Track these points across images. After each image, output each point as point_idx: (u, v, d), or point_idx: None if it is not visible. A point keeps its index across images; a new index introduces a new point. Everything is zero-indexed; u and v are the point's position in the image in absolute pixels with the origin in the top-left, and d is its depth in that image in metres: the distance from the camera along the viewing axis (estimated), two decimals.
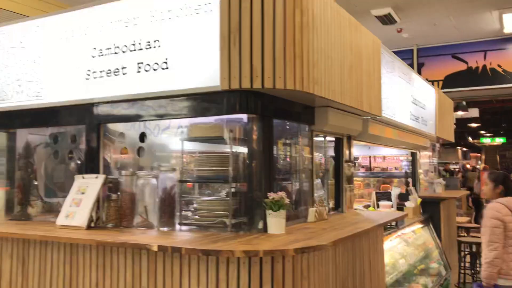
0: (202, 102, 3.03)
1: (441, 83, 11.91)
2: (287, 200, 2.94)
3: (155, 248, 2.49)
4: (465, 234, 8.42)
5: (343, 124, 3.95)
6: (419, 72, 12.11)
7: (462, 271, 7.13)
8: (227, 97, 2.95)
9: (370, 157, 11.05)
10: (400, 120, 5.12)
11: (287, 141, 3.76)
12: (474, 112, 19.46)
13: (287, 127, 3.75)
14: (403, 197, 6.63)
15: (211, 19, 2.95)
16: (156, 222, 3.16)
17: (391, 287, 5.06)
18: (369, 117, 4.45)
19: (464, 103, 17.01)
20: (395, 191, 6.36)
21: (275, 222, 2.93)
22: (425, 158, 8.91)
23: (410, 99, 5.60)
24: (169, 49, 3.11)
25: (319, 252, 2.92)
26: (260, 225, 2.97)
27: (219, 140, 3.11)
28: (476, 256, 7.01)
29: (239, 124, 3.09)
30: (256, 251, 2.31)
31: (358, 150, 8.41)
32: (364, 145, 6.24)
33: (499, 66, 11.23)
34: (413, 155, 7.03)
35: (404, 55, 12.42)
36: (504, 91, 11.53)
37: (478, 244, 6.76)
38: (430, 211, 6.80)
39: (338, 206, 4.34)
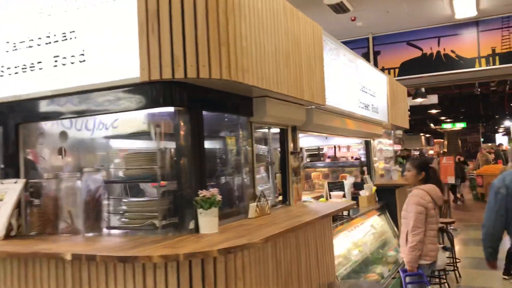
0: (123, 96, 2.81)
1: (397, 70, 11.97)
2: (219, 198, 2.77)
3: (68, 257, 2.27)
4: None
5: (284, 115, 3.80)
6: (375, 60, 12.13)
7: None
8: (150, 89, 2.75)
9: (335, 147, 11.01)
10: (347, 108, 5.02)
11: (226, 134, 3.59)
12: (433, 99, 19.75)
13: (226, 119, 3.58)
14: (358, 186, 6.57)
15: (128, 6, 2.73)
16: (82, 227, 2.93)
17: (346, 278, 4.97)
18: (313, 106, 4.31)
19: (423, 90, 17.25)
20: (349, 181, 6.28)
21: (207, 221, 2.75)
22: (387, 146, 8.91)
23: (358, 86, 5.51)
24: (85, 40, 2.87)
25: (255, 249, 2.76)
26: (191, 225, 2.78)
27: (147, 136, 2.90)
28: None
29: (166, 118, 2.90)
30: (176, 255, 2.13)
31: (322, 141, 8.33)
32: (319, 135, 6.16)
33: (452, 51, 11.34)
34: (367, 143, 6.97)
35: (360, 43, 12.44)
36: (458, 76, 11.66)
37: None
38: (386, 198, 6.78)
39: (285, 199, 4.20)
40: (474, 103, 24.90)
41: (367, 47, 12.22)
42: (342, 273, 4.77)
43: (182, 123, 2.82)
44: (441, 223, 7.32)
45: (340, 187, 5.65)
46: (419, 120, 30.35)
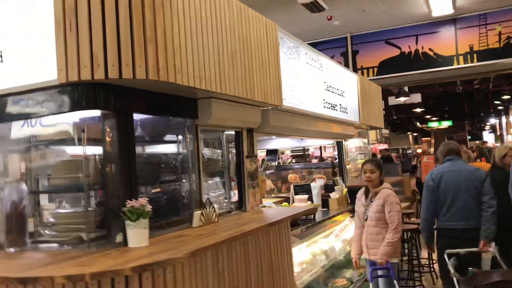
0: (44, 99, 2.60)
1: (376, 69, 11.84)
2: (148, 208, 2.56)
3: None
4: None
5: (234, 116, 3.61)
6: (353, 60, 11.99)
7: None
8: (72, 92, 2.54)
9: (321, 147, 10.85)
10: (310, 108, 4.83)
11: (171, 138, 3.39)
12: (416, 97, 19.65)
13: (170, 122, 3.37)
14: (329, 189, 6.39)
15: (45, 2, 2.51)
16: (3, 242, 2.71)
17: (311, 285, 4.79)
18: (270, 108, 4.12)
19: (406, 88, 17.14)
20: (318, 183, 6.10)
21: (135, 233, 2.54)
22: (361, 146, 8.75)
23: (323, 86, 5.33)
24: (2, 40, 2.65)
25: (190, 262, 2.57)
26: (119, 238, 2.57)
27: (72, 142, 2.69)
28: (407, 242, 6.86)
29: (92, 122, 2.68)
30: (82, 275, 1.92)
31: (297, 142, 8.10)
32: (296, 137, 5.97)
33: (430, 50, 11.22)
34: (339, 144, 6.80)
35: (338, 43, 12.30)
36: (436, 74, 11.55)
37: (410, 231, 6.61)
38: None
39: (241, 205, 4.01)
40: (458, 101, 24.90)
41: (345, 47, 12.07)
42: (307, 280, 4.58)
43: (108, 128, 2.61)
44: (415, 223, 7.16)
45: (307, 190, 5.46)
46: (406, 119, 30.36)
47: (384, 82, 12.42)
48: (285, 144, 8.87)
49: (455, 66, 11.05)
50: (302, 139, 7.69)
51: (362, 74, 11.92)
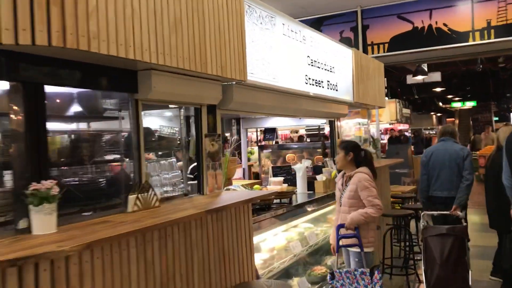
0: None
1: (387, 45, 11.29)
2: (54, 191, 2.29)
3: None
4: (399, 206, 7.95)
5: (184, 91, 3.28)
6: (363, 35, 11.46)
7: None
8: None
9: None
10: (286, 85, 4.47)
11: (108, 114, 3.10)
12: (436, 76, 18.91)
13: (107, 97, 3.08)
14: (318, 170, 6.07)
15: None
16: None
17: (283, 274, 4.51)
18: (233, 83, 3.79)
19: (425, 66, 16.46)
20: (304, 164, 5.77)
21: (40, 219, 2.28)
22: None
23: (306, 61, 4.94)
24: None
25: (104, 252, 2.31)
26: (23, 224, 2.31)
27: None
28: (403, 229, 6.50)
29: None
30: None
31: (296, 121, 7.73)
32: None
33: (445, 25, 10.59)
34: (331, 123, 6.42)
35: (348, 17, 11.78)
36: (451, 51, 10.93)
37: (405, 216, 6.26)
38: None
39: (199, 187, 3.72)
40: (483, 80, 23.93)
41: (355, 21, 11.53)
42: (277, 268, 4.31)
43: (14, 101, 2.33)
44: (412, 209, 6.80)
45: (287, 171, 5.13)
46: (428, 99, 29.46)
47: (395, 59, 11.86)
48: (284, 123, 8.53)
49: (470, 42, 10.43)
50: (300, 118, 7.34)
51: (372, 50, 11.40)
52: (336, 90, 5.71)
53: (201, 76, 3.36)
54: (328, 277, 4.23)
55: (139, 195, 2.93)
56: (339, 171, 4.69)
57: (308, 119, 7.64)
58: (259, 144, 10.02)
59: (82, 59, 2.60)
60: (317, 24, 12.02)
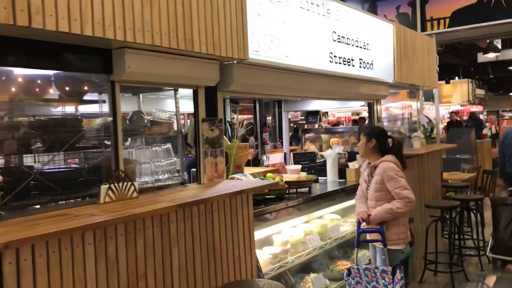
0: None
1: (448, 20, 10.38)
2: None
3: None
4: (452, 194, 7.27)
5: (167, 72, 2.97)
6: (422, 9, 10.60)
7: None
8: None
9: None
10: (303, 63, 4.05)
11: (85, 97, 2.88)
12: (510, 53, 17.41)
13: (84, 79, 2.86)
14: (353, 156, 5.61)
15: None
16: None
17: (297, 270, 4.17)
18: (234, 61, 3.44)
19: (498, 43, 15.12)
20: (335, 150, 5.33)
21: None
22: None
23: (330, 36, 4.48)
24: None
25: (55, 248, 2.10)
26: None
27: None
28: (448, 221, 5.89)
29: None
30: None
31: (341, 104, 7.27)
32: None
33: None
34: (370, 106, 5.90)
35: None
36: None
37: (451, 208, 5.68)
38: None
39: (197, 176, 3.44)
40: None
41: None
42: (291, 263, 3.97)
43: None
44: (465, 199, 6.18)
45: (310, 158, 4.73)
46: (506, 78, 27.32)
47: (458, 35, 10.89)
48: (328, 105, 8.07)
49: None
50: (334, 100, 6.87)
51: (432, 26, 10.54)
52: (371, 69, 5.18)
53: (190, 55, 3.05)
54: (344, 273, 3.84)
55: (113, 185, 2.69)
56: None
57: (355, 102, 7.14)
58: (304, 127, 9.59)
59: (45, 38, 2.37)
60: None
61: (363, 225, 4.01)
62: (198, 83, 3.30)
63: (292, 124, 11.79)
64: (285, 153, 8.21)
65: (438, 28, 10.43)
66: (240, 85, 3.54)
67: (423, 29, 10.53)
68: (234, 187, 3.13)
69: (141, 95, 3.67)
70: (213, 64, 3.30)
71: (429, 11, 10.57)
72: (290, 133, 9.29)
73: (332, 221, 4.73)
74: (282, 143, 8.70)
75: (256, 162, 6.76)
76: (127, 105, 3.64)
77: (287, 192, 4.17)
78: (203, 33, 3.01)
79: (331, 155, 5.22)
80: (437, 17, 10.47)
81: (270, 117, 9.40)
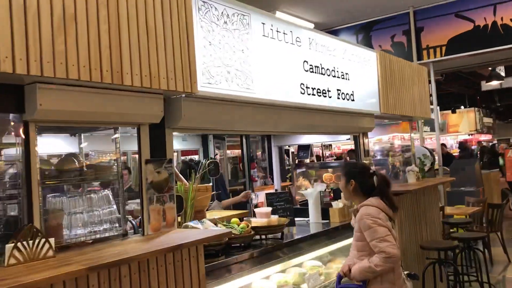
0: None
1: (444, 48, 10.06)
2: None
3: None
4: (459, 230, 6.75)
5: (93, 109, 2.59)
6: (417, 38, 10.30)
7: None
8: None
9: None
10: (265, 95, 3.66)
11: None
12: None
13: None
14: (338, 194, 5.16)
15: None
16: None
17: None
18: (182, 95, 3.07)
19: (501, 70, 14.75)
20: (317, 188, 4.90)
21: None
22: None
23: (301, 66, 4.11)
24: None
25: None
26: None
27: None
28: (444, 263, 5.36)
29: None
30: None
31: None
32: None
33: None
34: (356, 139, 5.48)
35: (399, 20, 10.72)
36: None
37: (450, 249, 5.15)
38: None
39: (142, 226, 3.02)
40: None
41: (407, 23, 10.40)
42: None
43: None
44: (467, 238, 5.67)
45: (285, 200, 4.29)
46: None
47: (456, 63, 10.56)
48: (320, 139, 7.69)
49: None
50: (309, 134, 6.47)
51: (428, 54, 10.22)
52: (352, 100, 4.79)
53: (123, 89, 2.68)
54: None
55: (20, 243, 2.28)
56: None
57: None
58: (294, 161, 9.18)
59: None
60: (367, 29, 11.03)
61: (345, 279, 3.52)
62: (138, 120, 2.92)
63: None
64: (276, 190, 7.78)
65: (435, 57, 10.10)
66: (190, 121, 3.15)
67: (420, 57, 10.21)
68: (173, 241, 2.69)
69: (82, 135, 3.30)
70: (155, 98, 2.92)
71: (424, 39, 10.26)
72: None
73: (312, 269, 4.24)
74: (272, 179, 8.29)
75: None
76: (66, 146, 3.28)
77: (259, 238, 3.73)
78: (137, 65, 2.65)
79: (312, 194, 4.78)
80: (433, 45, 10.16)
81: (260, 152, 9.03)
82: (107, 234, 2.91)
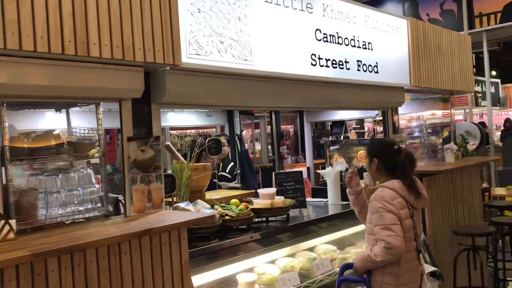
0: None
1: (499, 15, 9.24)
2: None
3: None
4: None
5: (61, 83, 2.41)
6: (469, 5, 9.51)
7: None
8: None
9: None
10: (266, 68, 3.36)
11: None
12: None
13: None
14: (361, 174, 4.82)
15: None
16: None
17: None
18: (168, 68, 2.85)
19: None
20: (336, 168, 4.58)
21: None
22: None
23: (312, 35, 3.77)
24: None
25: None
26: None
27: None
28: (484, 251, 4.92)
29: None
30: None
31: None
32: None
33: None
34: (384, 114, 5.08)
35: None
36: None
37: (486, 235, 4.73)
38: None
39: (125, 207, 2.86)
40: None
41: None
42: None
43: None
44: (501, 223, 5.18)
45: (296, 180, 4.01)
46: None
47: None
48: (354, 114, 7.31)
49: None
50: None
51: (481, 22, 9.43)
52: (376, 72, 4.40)
53: (93, 61, 2.49)
54: None
55: None
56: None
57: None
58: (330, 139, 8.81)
59: None
60: None
61: (349, 271, 3.25)
62: (115, 95, 2.72)
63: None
64: (308, 168, 7.50)
65: (488, 25, 9.32)
66: (176, 96, 2.93)
67: (471, 26, 9.45)
68: (147, 225, 2.51)
69: (70, 111, 3.16)
70: (133, 71, 2.71)
71: (477, 6, 9.47)
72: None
73: (324, 253, 3.97)
74: (304, 156, 7.99)
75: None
76: (53, 123, 3.16)
77: (263, 221, 3.51)
78: (106, 34, 2.44)
79: (330, 174, 4.48)
80: (486, 12, 9.36)
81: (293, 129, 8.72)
82: (88, 215, 2.78)
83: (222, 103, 3.35)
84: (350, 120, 8.05)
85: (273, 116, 7.18)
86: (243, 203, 3.43)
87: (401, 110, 6.30)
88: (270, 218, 3.66)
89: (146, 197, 2.89)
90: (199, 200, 3.23)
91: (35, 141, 2.66)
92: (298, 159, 7.91)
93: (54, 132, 2.77)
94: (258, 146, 8.48)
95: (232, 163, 5.22)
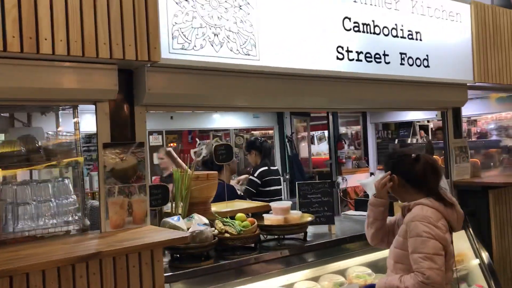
0: None
1: None
2: None
3: None
4: None
5: (17, 84, 2.17)
6: None
7: None
8: None
9: None
10: (273, 63, 2.90)
11: None
12: None
13: None
14: None
15: None
16: None
17: None
18: (147, 64, 2.50)
19: None
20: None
21: None
22: None
23: (339, 25, 3.24)
24: None
25: None
26: None
27: None
28: None
29: None
30: None
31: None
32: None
33: None
34: (443, 115, 4.37)
35: None
36: None
37: None
38: (472, 205, 4.22)
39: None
40: None
41: None
42: None
43: None
44: None
45: (322, 191, 3.48)
46: None
47: None
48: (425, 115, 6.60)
49: None
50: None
51: None
52: (426, 66, 3.75)
53: (52, 60, 2.21)
54: None
55: None
56: None
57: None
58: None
59: None
60: None
61: None
62: (89, 96, 2.43)
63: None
64: (371, 173, 6.87)
65: None
66: (160, 97, 2.59)
67: None
68: (96, 247, 2.18)
69: (60, 114, 2.94)
70: (103, 70, 2.39)
71: None
72: None
73: (357, 278, 3.43)
74: (367, 161, 7.34)
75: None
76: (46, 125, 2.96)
77: (274, 238, 3.07)
78: (62, 27, 2.16)
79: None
80: None
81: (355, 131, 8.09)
82: (61, 229, 2.52)
83: (219, 103, 2.94)
84: (419, 120, 7.24)
85: (330, 117, 6.64)
86: (249, 219, 3.00)
87: (472, 110, 5.52)
88: (286, 236, 3.20)
89: (126, 210, 2.57)
90: (194, 214, 2.86)
91: (2, 146, 2.45)
92: (360, 164, 7.28)
93: (27, 138, 2.54)
94: (315, 149, 7.95)
95: (264, 168, 4.69)
